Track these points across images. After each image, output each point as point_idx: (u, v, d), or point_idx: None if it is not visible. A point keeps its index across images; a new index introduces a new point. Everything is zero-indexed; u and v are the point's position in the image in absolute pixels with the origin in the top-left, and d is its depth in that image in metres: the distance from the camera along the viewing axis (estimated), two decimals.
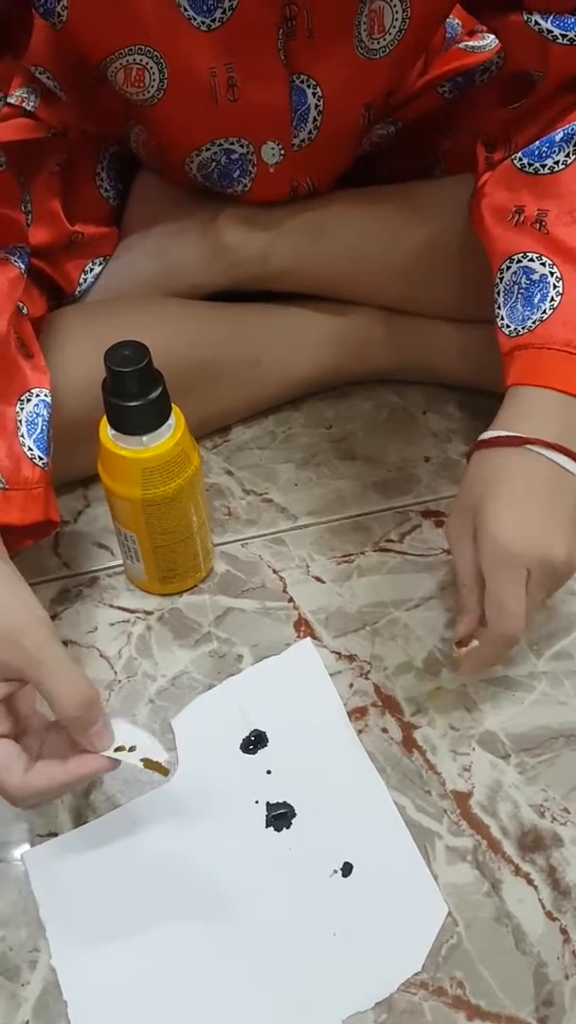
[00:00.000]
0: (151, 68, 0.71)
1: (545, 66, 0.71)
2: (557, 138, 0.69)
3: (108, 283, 0.85)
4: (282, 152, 0.77)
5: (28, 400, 0.69)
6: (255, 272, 0.84)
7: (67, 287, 0.84)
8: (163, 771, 0.57)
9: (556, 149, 0.69)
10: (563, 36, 0.69)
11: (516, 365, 0.66)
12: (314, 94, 0.74)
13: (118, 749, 0.57)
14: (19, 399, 0.68)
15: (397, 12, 0.71)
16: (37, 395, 0.69)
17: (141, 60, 0.70)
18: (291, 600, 0.76)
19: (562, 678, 0.71)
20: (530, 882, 0.62)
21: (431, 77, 0.89)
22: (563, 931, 0.60)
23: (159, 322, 0.81)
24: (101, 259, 0.86)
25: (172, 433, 0.66)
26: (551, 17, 0.69)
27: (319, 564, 0.78)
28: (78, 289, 0.85)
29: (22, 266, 0.73)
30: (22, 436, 0.67)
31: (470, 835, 0.64)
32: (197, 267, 0.84)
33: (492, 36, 0.88)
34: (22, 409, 0.68)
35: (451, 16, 0.88)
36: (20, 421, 0.67)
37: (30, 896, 0.62)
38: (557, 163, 0.69)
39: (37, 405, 0.69)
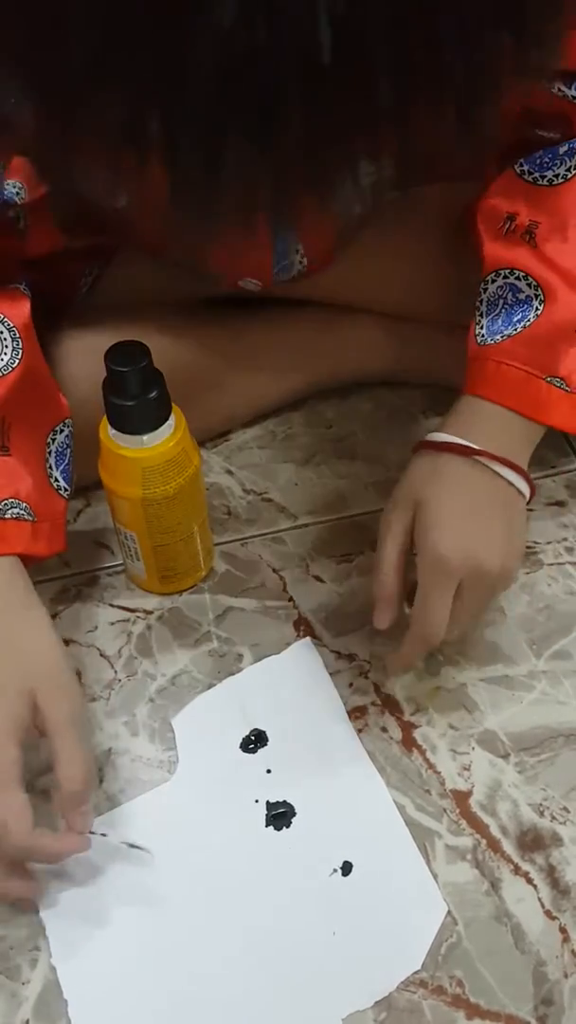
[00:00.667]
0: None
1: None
2: (561, 151, 0.68)
3: (109, 289, 0.85)
4: (260, 285, 0.78)
5: (61, 431, 0.70)
6: None
7: (68, 293, 0.83)
8: (143, 849, 0.62)
9: (558, 162, 0.69)
10: None
11: (475, 374, 0.68)
12: (297, 251, 0.74)
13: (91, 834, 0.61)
14: (52, 430, 0.69)
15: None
16: (67, 426, 0.70)
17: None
18: (291, 599, 0.76)
19: (561, 678, 0.71)
20: (529, 881, 0.62)
21: None
22: (562, 930, 0.60)
23: (159, 333, 0.80)
24: (100, 263, 0.85)
25: (172, 432, 0.67)
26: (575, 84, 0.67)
27: (319, 563, 0.78)
28: (78, 295, 0.84)
29: (29, 294, 0.73)
30: (50, 467, 0.68)
31: (469, 834, 0.64)
32: (198, 273, 0.84)
33: None
34: (53, 440, 0.69)
35: None
36: (50, 452, 0.69)
37: None
38: (557, 176, 0.69)
39: (67, 437, 0.70)
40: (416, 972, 0.58)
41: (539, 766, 0.67)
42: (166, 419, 0.66)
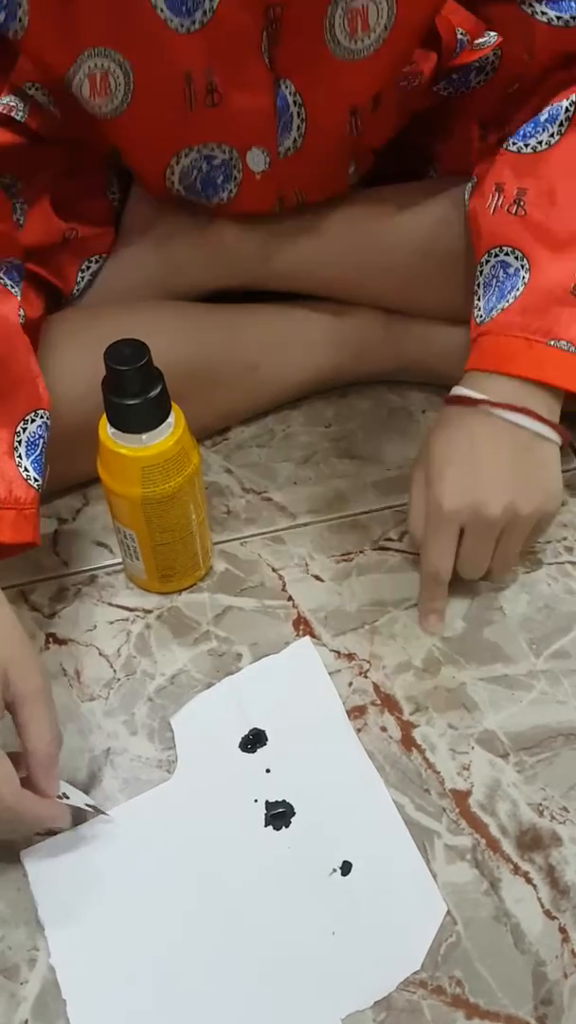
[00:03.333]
0: (115, 72, 0.69)
1: (532, 48, 0.72)
2: (542, 119, 0.70)
3: (107, 282, 0.85)
4: (268, 159, 0.76)
5: (32, 421, 0.69)
6: (254, 272, 0.84)
7: (64, 286, 0.83)
8: (103, 812, 0.64)
9: (540, 129, 0.70)
10: (558, 19, 0.70)
11: (476, 350, 0.70)
12: (295, 102, 0.73)
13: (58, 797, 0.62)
14: (23, 419, 0.69)
15: (383, 9, 0.69)
16: (42, 417, 0.70)
17: (104, 64, 0.68)
18: (290, 599, 0.76)
19: (561, 677, 0.71)
20: (529, 881, 0.62)
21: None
22: (562, 930, 0.60)
23: (157, 328, 0.80)
24: (98, 257, 0.85)
25: (172, 431, 0.66)
26: (546, 1, 0.70)
27: (318, 563, 0.78)
28: (75, 288, 0.84)
29: (17, 292, 0.73)
30: (19, 456, 0.68)
31: (469, 834, 0.64)
32: (196, 266, 0.84)
33: (489, 35, 0.88)
34: (24, 429, 0.68)
35: (460, 31, 0.88)
36: (19, 442, 0.68)
37: (29, 895, 0.62)
38: (540, 143, 0.70)
39: (40, 427, 0.69)
40: (415, 972, 0.58)
41: (538, 766, 0.66)
42: (166, 418, 0.66)
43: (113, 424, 0.66)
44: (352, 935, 0.60)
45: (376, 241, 0.83)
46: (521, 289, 0.69)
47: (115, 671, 0.72)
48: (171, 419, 0.66)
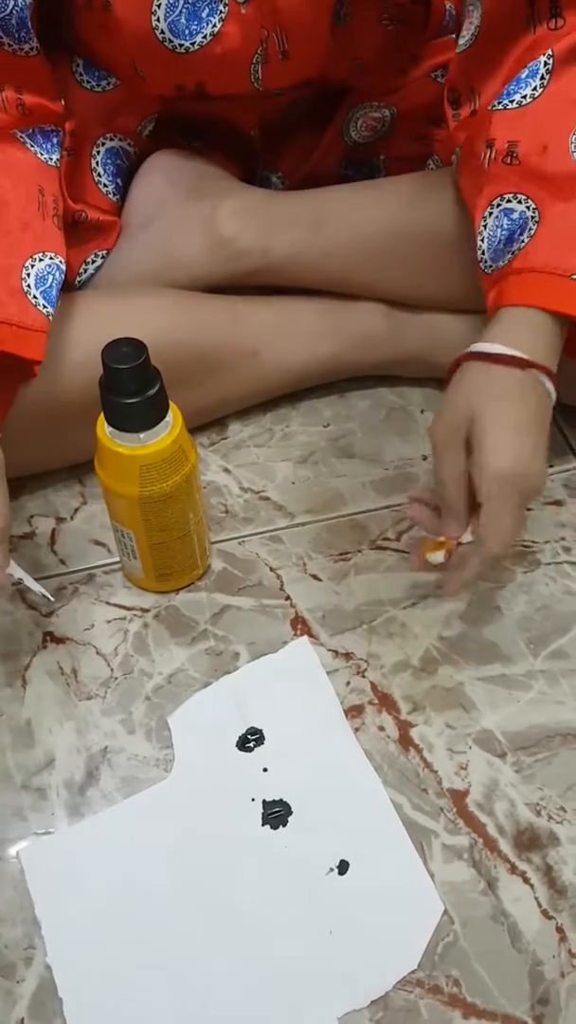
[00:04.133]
0: None
1: None
2: (523, 75, 0.71)
3: (108, 274, 0.85)
4: None
5: (40, 260, 0.71)
6: (255, 265, 0.84)
7: (68, 274, 0.84)
8: (49, 598, 0.70)
9: (523, 85, 0.71)
10: None
11: (500, 290, 0.68)
12: None
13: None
14: (31, 256, 0.71)
15: None
16: (52, 259, 0.72)
17: None
18: (288, 598, 0.76)
19: (559, 677, 0.71)
20: (526, 880, 0.62)
21: (424, 68, 0.89)
22: (559, 929, 0.60)
23: (158, 309, 0.81)
24: (104, 252, 0.85)
25: (169, 431, 0.66)
26: None
27: (316, 562, 0.78)
28: (78, 279, 0.84)
29: (49, 151, 0.75)
30: (28, 285, 0.70)
31: (466, 833, 0.64)
32: (197, 260, 0.84)
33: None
34: (33, 266, 0.71)
35: (448, 3, 0.89)
36: (28, 274, 0.70)
37: (26, 893, 0.62)
38: (524, 97, 0.71)
39: (50, 267, 0.71)
40: (412, 971, 0.58)
41: (536, 765, 0.66)
42: (163, 417, 0.66)
43: (111, 423, 0.66)
44: (349, 934, 0.60)
45: (376, 232, 0.83)
46: (535, 229, 0.68)
47: (113, 670, 0.72)
48: (169, 418, 0.66)
